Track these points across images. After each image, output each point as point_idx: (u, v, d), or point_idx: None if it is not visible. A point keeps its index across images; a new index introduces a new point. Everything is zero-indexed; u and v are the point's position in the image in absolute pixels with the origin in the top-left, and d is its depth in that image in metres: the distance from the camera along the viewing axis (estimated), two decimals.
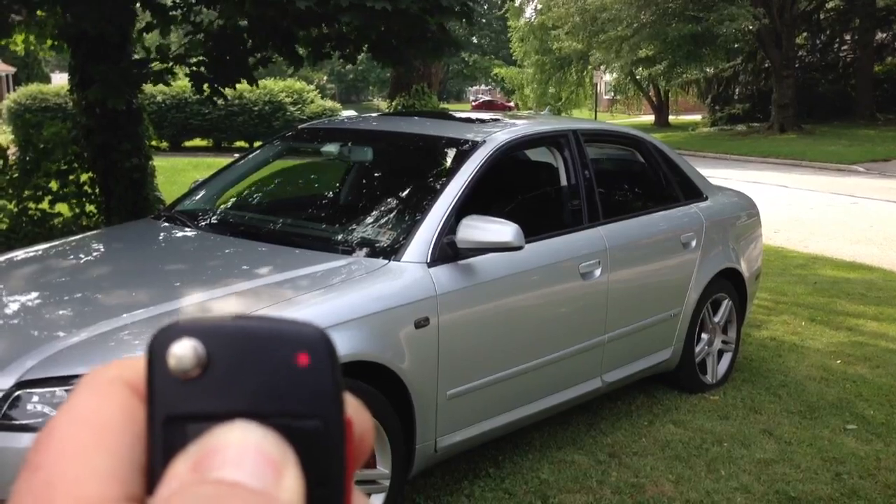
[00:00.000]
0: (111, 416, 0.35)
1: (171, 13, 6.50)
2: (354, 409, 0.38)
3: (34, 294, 3.40)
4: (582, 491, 3.71)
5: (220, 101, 6.74)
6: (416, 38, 6.17)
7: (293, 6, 5.37)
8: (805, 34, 30.32)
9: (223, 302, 3.13)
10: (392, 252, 3.46)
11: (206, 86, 6.52)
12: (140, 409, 0.36)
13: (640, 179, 5.24)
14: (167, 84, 6.66)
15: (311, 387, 0.35)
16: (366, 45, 6.51)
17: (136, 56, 6.97)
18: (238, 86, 6.79)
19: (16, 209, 6.63)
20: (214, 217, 4.25)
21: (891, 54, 30.69)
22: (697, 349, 4.91)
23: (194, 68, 6.48)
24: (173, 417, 0.35)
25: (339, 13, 5.51)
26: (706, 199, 5.10)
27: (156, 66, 6.36)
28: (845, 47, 31.17)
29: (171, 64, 6.38)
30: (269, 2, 5.46)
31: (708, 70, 32.91)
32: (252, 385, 0.35)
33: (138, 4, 6.34)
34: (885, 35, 30.03)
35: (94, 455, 0.34)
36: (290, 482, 0.33)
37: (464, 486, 3.72)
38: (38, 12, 6.79)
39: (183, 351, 0.35)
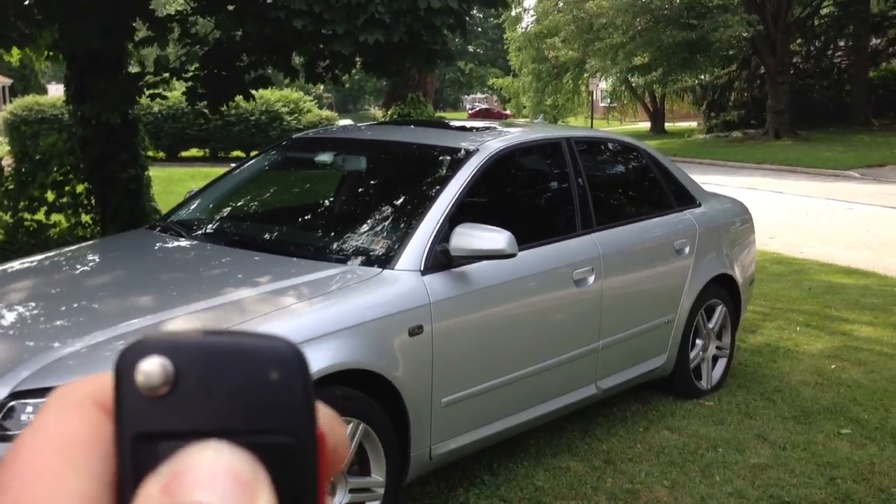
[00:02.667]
0: (80, 435, 0.35)
1: (168, 24, 6.53)
2: (328, 420, 0.37)
3: (29, 304, 3.41)
4: (577, 497, 3.72)
5: (214, 118, 6.75)
6: (410, 48, 6.20)
7: (290, 25, 5.41)
8: (799, 40, 30.40)
9: (217, 311, 3.14)
10: (386, 260, 3.47)
11: (202, 103, 6.54)
12: (109, 427, 0.35)
13: (633, 186, 5.26)
14: (163, 98, 6.69)
15: (282, 402, 0.35)
16: (359, 62, 6.55)
17: (133, 69, 6.99)
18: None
19: (12, 220, 6.65)
20: (209, 227, 4.26)
21: (885, 60, 30.78)
22: (692, 355, 4.93)
23: (190, 83, 6.49)
24: (143, 435, 0.34)
25: (334, 40, 5.56)
26: (699, 205, 5.13)
27: (150, 79, 6.38)
28: (840, 53, 31.27)
29: (167, 75, 6.40)
30: (267, 18, 5.49)
31: (703, 77, 32.98)
32: (222, 402, 0.35)
33: (137, 18, 6.36)
34: (879, 41, 30.11)
35: (63, 475, 0.34)
36: (263, 502, 0.33)
37: (459, 493, 3.73)
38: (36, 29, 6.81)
39: (151, 368, 0.34)
